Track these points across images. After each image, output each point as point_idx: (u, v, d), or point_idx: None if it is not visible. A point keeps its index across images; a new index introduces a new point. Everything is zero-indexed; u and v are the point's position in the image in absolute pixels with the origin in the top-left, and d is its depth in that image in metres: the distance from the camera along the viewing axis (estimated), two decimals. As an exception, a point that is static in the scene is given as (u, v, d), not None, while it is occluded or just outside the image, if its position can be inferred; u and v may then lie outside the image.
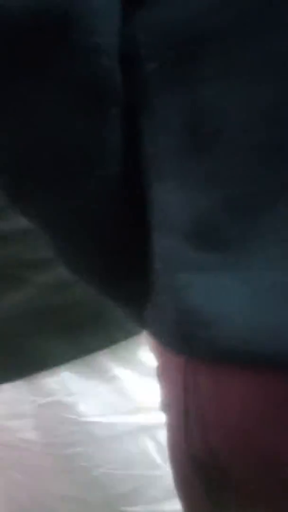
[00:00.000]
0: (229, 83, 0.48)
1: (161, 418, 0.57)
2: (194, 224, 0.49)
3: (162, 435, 0.61)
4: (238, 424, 0.48)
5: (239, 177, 0.47)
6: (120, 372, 0.98)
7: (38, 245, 0.80)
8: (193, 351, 0.50)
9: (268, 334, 0.45)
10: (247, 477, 0.50)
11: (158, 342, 0.54)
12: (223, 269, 0.48)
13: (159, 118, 0.51)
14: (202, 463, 0.52)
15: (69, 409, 0.97)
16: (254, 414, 0.48)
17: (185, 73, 0.49)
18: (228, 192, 0.48)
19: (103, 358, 0.97)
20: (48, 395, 0.97)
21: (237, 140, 0.48)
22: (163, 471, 0.96)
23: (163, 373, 0.56)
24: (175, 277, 0.50)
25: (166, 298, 0.51)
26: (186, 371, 0.52)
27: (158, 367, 0.57)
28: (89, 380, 0.97)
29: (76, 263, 0.60)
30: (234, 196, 0.48)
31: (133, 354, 0.98)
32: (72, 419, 0.97)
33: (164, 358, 0.55)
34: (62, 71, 0.50)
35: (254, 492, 0.50)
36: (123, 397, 0.98)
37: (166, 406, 0.56)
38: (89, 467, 0.97)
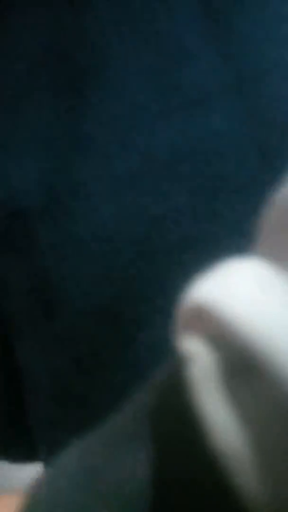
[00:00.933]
0: (63, 252, 0.51)
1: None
2: (53, 384, 0.52)
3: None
4: None
5: (81, 337, 0.50)
6: None
7: None
8: None
9: None
10: None
11: None
12: (81, 426, 0.50)
13: (7, 283, 0.54)
14: None
15: None
16: None
17: (23, 244, 0.52)
18: (74, 352, 0.51)
19: None
20: None
21: (75, 304, 0.51)
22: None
23: None
24: (46, 435, 0.53)
25: (42, 453, 0.54)
26: None
27: None
28: None
29: None
30: (80, 355, 0.51)
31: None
32: None
33: None
34: None
35: None
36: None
37: None
38: None
